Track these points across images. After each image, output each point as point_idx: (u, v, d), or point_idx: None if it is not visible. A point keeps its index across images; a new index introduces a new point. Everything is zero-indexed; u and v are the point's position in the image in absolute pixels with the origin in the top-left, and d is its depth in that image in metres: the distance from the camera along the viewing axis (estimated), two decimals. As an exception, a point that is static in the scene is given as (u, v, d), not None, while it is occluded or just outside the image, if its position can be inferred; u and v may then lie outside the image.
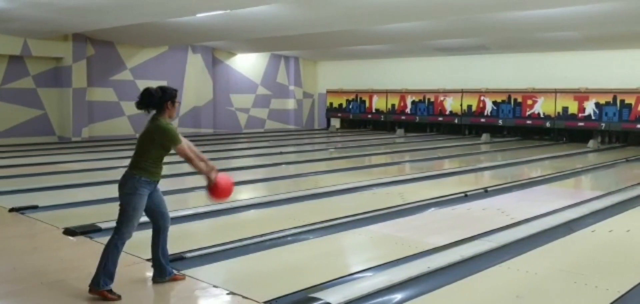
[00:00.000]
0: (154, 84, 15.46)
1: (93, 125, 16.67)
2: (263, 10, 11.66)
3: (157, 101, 4.01)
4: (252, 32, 14.88)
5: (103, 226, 5.61)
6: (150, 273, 4.31)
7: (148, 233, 4.31)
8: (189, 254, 4.83)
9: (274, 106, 21.73)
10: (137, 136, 4.17)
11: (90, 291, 3.86)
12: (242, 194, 8.34)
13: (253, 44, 18.47)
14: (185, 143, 4.08)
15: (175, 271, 4.26)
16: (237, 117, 20.53)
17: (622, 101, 15.55)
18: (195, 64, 19.07)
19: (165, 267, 4.17)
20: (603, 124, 15.87)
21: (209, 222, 6.30)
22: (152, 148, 3.98)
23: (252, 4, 11.01)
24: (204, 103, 19.24)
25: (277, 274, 4.50)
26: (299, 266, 4.76)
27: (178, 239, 5.14)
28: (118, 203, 4.00)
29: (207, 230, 6.03)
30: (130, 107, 17.51)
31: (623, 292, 4.04)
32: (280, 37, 15.96)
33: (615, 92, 15.68)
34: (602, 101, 15.87)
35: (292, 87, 22.28)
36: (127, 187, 3.92)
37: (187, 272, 4.39)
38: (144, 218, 4.10)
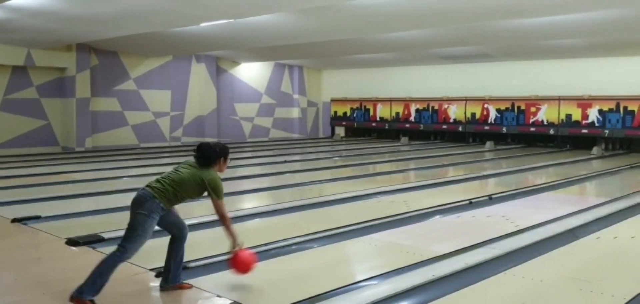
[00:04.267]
0: (157, 93, 15.54)
1: (97, 135, 16.72)
2: (267, 20, 11.70)
3: (215, 156, 4.18)
4: (256, 41, 14.93)
5: (106, 236, 5.61)
6: (153, 283, 4.31)
7: (151, 244, 4.30)
8: (192, 264, 4.82)
9: (278, 115, 21.76)
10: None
11: (71, 299, 3.80)
12: (247, 203, 8.35)
13: (257, 53, 18.53)
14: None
15: (183, 281, 4.26)
16: (241, 126, 20.57)
17: (625, 108, 15.51)
18: (199, 73, 19.14)
19: (174, 274, 4.17)
20: (606, 131, 15.82)
21: (213, 232, 6.26)
22: (191, 190, 4.08)
23: (256, 13, 11.05)
24: (208, 112, 19.29)
25: (281, 283, 4.49)
26: (304, 274, 4.75)
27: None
28: (120, 213, 3.99)
29: (212, 239, 6.00)
30: (134, 117, 17.59)
31: (628, 299, 4.01)
32: (285, 46, 16.01)
33: (618, 99, 15.65)
34: (605, 108, 15.83)
35: (296, 96, 22.32)
36: (144, 209, 3.91)
37: (191, 282, 4.38)
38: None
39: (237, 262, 4.37)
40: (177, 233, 4.17)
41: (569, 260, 5.18)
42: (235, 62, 20.29)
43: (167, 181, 4.05)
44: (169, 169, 4.30)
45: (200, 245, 5.62)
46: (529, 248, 5.42)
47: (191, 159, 4.25)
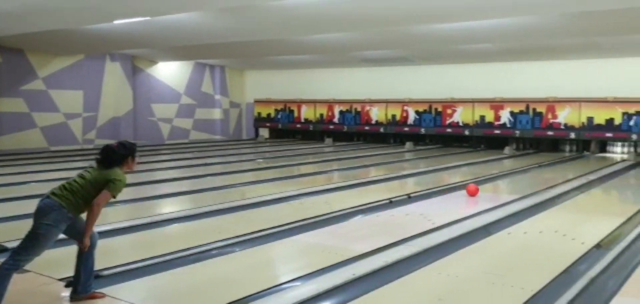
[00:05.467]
0: (68, 94, 14.85)
1: (1, 137, 15.62)
2: (186, 18, 11.39)
3: (120, 157, 4.01)
4: (175, 40, 14.51)
5: (10, 245, 5.21)
6: (63, 293, 4.07)
7: (60, 251, 4.07)
8: (106, 272, 4.59)
9: (199, 116, 21.28)
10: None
11: None
12: (166, 208, 8.09)
13: (176, 52, 18.04)
14: None
15: (95, 290, 4.06)
16: (159, 128, 19.93)
17: (534, 110, 16.50)
18: (113, 72, 18.35)
19: (85, 283, 3.96)
20: (517, 132, 16.77)
21: (129, 238, 6.05)
22: (95, 193, 3.86)
23: (173, 11, 10.73)
24: (123, 113, 18.54)
25: (202, 289, 4.37)
26: (226, 279, 4.65)
27: (96, 257, 4.88)
28: (26, 220, 3.75)
29: (128, 245, 5.78)
30: (42, 119, 16.60)
31: (536, 290, 4.23)
32: (205, 46, 15.67)
33: (527, 102, 16.62)
34: (516, 110, 16.76)
35: (218, 97, 21.93)
36: (49, 219, 3.70)
37: (105, 290, 4.17)
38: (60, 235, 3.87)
39: (470, 191, 8.46)
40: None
41: (482, 255, 5.41)
42: (153, 61, 19.64)
43: (74, 187, 3.83)
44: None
45: (115, 252, 5.38)
46: (445, 244, 5.61)
47: (95, 162, 4.04)
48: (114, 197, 3.94)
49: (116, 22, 11.80)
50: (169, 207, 8.07)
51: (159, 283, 4.56)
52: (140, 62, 19.28)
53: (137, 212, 7.19)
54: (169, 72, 20.29)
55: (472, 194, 8.49)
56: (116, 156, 3.99)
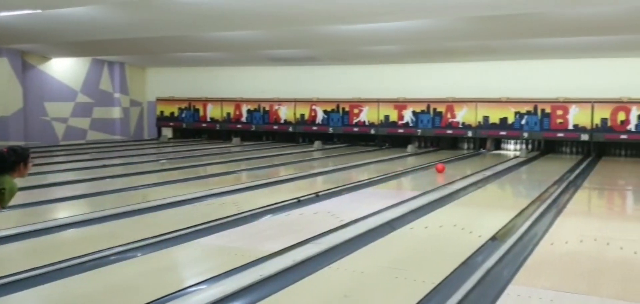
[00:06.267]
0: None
1: None
2: (80, 12, 10.76)
3: (10, 165, 3.85)
4: (69, 35, 13.67)
5: None
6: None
7: None
8: (-11, 284, 4.21)
9: (96, 115, 20.19)
10: None
11: None
12: (60, 212, 7.58)
13: (71, 48, 17.00)
14: None
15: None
16: (53, 128, 18.69)
17: (434, 109, 17.29)
18: (0, 69, 16.97)
19: None
20: (419, 131, 17.49)
21: (19, 245, 5.61)
22: None
23: (65, 5, 10.09)
24: (12, 113, 17.19)
25: (99, 297, 4.12)
26: (125, 285, 4.42)
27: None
28: None
29: (18, 254, 5.35)
30: None
31: (437, 283, 4.40)
32: (102, 41, 14.90)
33: (428, 102, 17.37)
34: (418, 110, 17.47)
35: (117, 95, 20.92)
36: None
37: (-11, 304, 3.83)
38: None
39: (438, 169, 10.42)
40: None
41: (386, 251, 5.55)
42: (45, 57, 18.37)
43: None
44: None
45: (3, 261, 4.98)
46: (351, 241, 5.70)
47: None
48: (4, 207, 3.67)
49: (2, 14, 10.92)
50: (63, 212, 7.56)
51: (52, 293, 4.26)
52: (31, 58, 17.96)
53: (27, 218, 6.68)
54: (64, 69, 19.08)
55: (440, 171, 10.89)
56: (6, 164, 3.79)
